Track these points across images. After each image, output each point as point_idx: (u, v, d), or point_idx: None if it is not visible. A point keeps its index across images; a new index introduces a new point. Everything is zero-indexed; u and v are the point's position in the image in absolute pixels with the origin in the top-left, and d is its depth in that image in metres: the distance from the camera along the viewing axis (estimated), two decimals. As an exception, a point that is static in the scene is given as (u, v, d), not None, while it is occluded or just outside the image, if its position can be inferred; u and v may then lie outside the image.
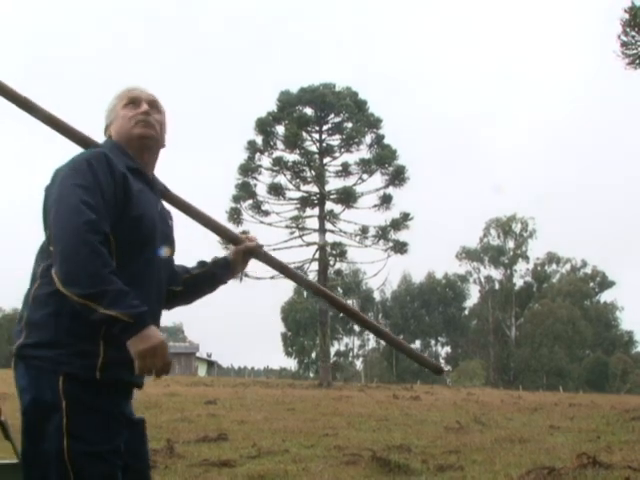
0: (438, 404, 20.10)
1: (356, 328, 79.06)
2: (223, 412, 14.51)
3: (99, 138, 2.66)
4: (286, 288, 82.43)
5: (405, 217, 36.58)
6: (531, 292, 76.86)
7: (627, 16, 17.38)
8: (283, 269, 3.18)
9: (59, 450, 2.19)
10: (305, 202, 37.48)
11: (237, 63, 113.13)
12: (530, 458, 8.19)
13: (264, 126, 37.50)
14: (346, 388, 32.13)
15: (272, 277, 30.96)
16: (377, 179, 37.51)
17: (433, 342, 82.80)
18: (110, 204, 2.29)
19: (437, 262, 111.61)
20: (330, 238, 37.16)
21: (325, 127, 38.70)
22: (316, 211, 37.47)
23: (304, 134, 37.93)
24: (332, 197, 37.03)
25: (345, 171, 37.46)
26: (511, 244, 75.84)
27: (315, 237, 37.19)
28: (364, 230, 36.94)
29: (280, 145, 37.89)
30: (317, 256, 35.84)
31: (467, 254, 77.07)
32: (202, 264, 2.90)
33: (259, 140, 37.81)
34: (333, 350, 67.92)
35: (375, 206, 36.75)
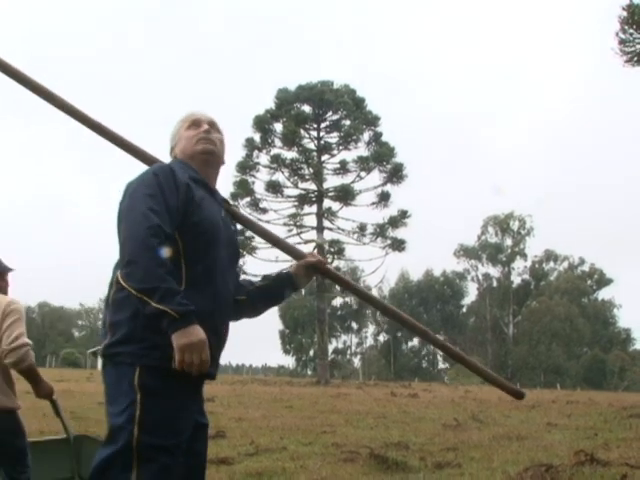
0: (436, 401, 20.12)
1: (354, 326, 79.18)
2: (221, 409, 14.50)
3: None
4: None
5: (403, 215, 36.61)
6: (529, 290, 76.90)
7: (625, 14, 17.38)
8: (348, 285, 3.29)
9: (128, 440, 2.39)
10: (303, 200, 37.49)
11: (235, 61, 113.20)
12: (528, 455, 8.19)
13: (262, 124, 37.49)
14: (344, 386, 32.16)
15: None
16: (375, 177, 37.65)
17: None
18: (174, 210, 2.54)
19: (435, 260, 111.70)
20: (328, 236, 37.20)
21: (323, 125, 38.69)
22: (314, 208, 37.48)
23: (302, 132, 37.94)
24: (330, 195, 37.03)
25: (343, 169, 37.48)
26: (509, 242, 75.92)
27: (313, 234, 37.23)
28: (362, 228, 36.97)
29: (278, 143, 37.91)
30: (315, 253, 35.87)
31: (465, 252, 77.10)
32: (265, 278, 3.09)
33: (257, 138, 37.84)
34: (331, 348, 67.97)
35: (373, 204, 36.78)
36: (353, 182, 37.20)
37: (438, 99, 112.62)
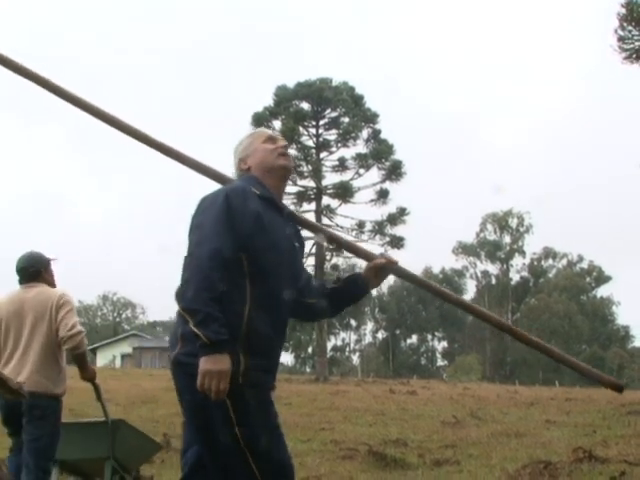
0: (434, 399, 20.13)
1: (353, 323, 79.19)
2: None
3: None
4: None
5: (402, 212, 36.57)
6: (527, 287, 76.98)
7: (624, 11, 17.39)
8: (422, 284, 3.37)
9: (234, 439, 2.60)
10: (302, 197, 37.44)
11: (234, 58, 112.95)
12: (526, 452, 8.21)
13: (261, 121, 37.42)
14: (343, 383, 32.16)
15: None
16: (374, 174, 37.41)
17: (430, 337, 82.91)
18: (240, 234, 2.69)
19: (434, 257, 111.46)
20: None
21: (322, 122, 38.63)
22: (313, 206, 37.44)
23: (301, 129, 37.88)
24: (329, 192, 36.99)
25: (342, 166, 37.41)
26: (507, 239, 76.01)
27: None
28: (361, 225, 36.93)
29: (277, 140, 37.85)
30: (314, 251, 35.80)
31: (464, 249, 77.14)
32: (338, 280, 3.23)
33: (256, 135, 37.77)
34: (330, 345, 67.92)
35: (372, 201, 36.72)
36: (352, 179, 37.16)
37: (437, 97, 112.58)
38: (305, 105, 38.53)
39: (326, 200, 37.18)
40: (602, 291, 77.97)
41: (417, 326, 79.82)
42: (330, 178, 38.07)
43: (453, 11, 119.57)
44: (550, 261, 79.58)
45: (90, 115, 3.24)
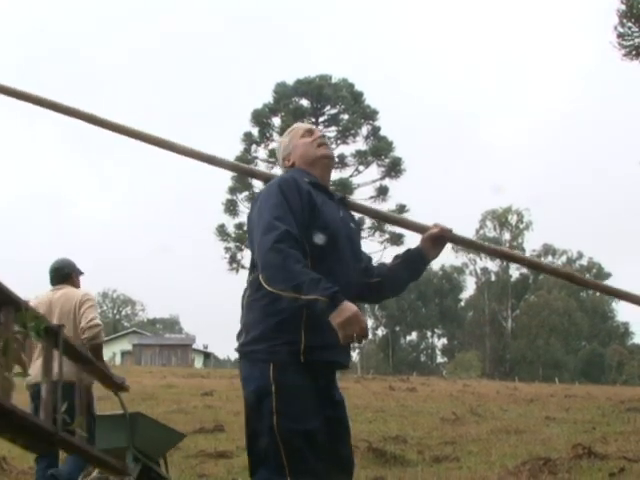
0: (434, 395, 20.16)
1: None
2: (219, 403, 14.55)
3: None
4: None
5: (401, 209, 36.55)
6: (527, 284, 76.94)
7: (624, 7, 17.37)
8: (478, 247, 3.55)
9: (271, 427, 2.70)
10: (301, 194, 37.48)
11: (233, 54, 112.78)
12: (526, 449, 8.22)
13: (260, 118, 37.42)
14: (342, 379, 32.12)
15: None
16: (373, 171, 37.40)
17: (429, 334, 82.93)
18: (298, 216, 2.81)
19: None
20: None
21: (321, 119, 38.60)
22: (312, 202, 37.46)
23: (300, 126, 37.86)
24: (328, 189, 37.01)
25: (341, 163, 37.42)
26: (507, 236, 75.88)
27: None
28: (360, 222, 36.95)
29: (276, 137, 37.80)
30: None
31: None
32: (397, 257, 3.28)
33: (255, 132, 37.75)
34: (329, 342, 67.79)
35: (371, 198, 36.71)
36: (351, 176, 37.16)
37: (437, 93, 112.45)
38: (304, 102, 38.51)
39: (326, 197, 37.19)
40: (602, 288, 77.91)
41: (417, 323, 79.81)
42: (329, 175, 38.08)
43: (453, 9, 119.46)
44: (550, 258, 79.51)
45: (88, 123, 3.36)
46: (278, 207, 2.79)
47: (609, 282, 71.24)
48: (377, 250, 36.48)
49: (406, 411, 14.08)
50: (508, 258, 3.62)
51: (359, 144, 37.83)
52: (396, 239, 36.43)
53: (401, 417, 12.66)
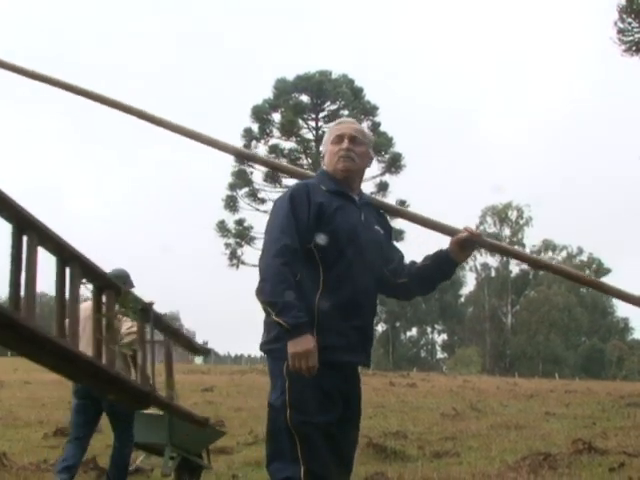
0: (434, 391, 20.18)
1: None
2: (220, 399, 14.56)
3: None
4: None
5: (401, 204, 36.51)
6: (527, 279, 76.92)
7: (624, 2, 17.36)
8: (507, 251, 3.55)
9: (285, 419, 2.91)
10: (301, 190, 37.46)
11: (233, 50, 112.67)
12: (526, 444, 8.23)
13: (260, 113, 37.36)
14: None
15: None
16: (373, 166, 36.98)
17: (429, 329, 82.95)
18: (305, 225, 3.00)
19: (433, 249, 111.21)
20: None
21: (321, 114, 38.57)
22: (312, 199, 37.44)
23: (300, 121, 37.82)
24: (328, 185, 37.00)
25: (341, 159, 37.41)
26: (507, 232, 75.85)
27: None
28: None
29: (276, 133, 37.78)
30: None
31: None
32: (426, 258, 3.33)
33: (255, 128, 37.69)
34: (330, 338, 67.80)
35: (371, 193, 36.30)
36: (351, 172, 37.19)
37: (437, 89, 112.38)
38: (304, 98, 38.46)
39: (326, 193, 37.17)
40: (602, 283, 77.88)
41: (417, 319, 79.81)
42: (330, 171, 38.07)
43: (454, 5, 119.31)
44: (550, 253, 79.47)
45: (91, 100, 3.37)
46: (285, 219, 2.99)
47: (609, 277, 71.40)
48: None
49: (406, 407, 14.10)
50: (535, 264, 3.59)
51: (359, 140, 37.83)
52: (396, 235, 36.45)
53: (401, 413, 12.67)
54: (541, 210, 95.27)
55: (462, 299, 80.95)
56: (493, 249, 3.58)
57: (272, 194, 37.09)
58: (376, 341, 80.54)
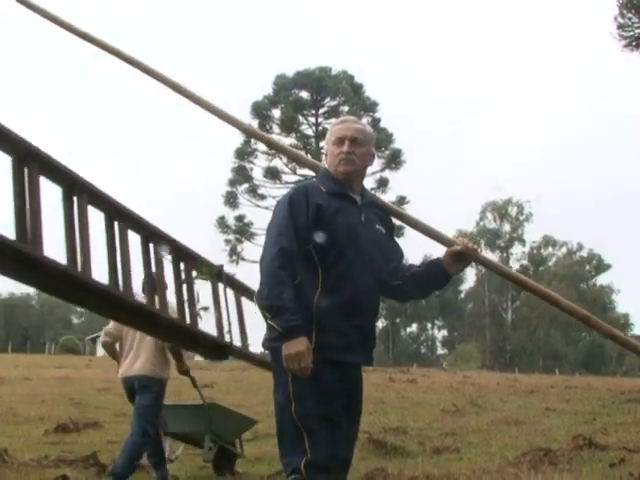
0: (434, 387, 20.20)
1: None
2: (220, 396, 14.53)
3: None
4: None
5: (401, 200, 36.60)
6: (527, 275, 74.56)
7: (624, -3, 17.32)
8: (500, 271, 3.48)
9: (290, 412, 2.99)
10: (301, 186, 37.48)
11: (233, 46, 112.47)
12: (526, 440, 8.23)
13: (260, 110, 37.40)
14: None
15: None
16: (374, 162, 37.44)
17: (429, 325, 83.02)
18: (303, 227, 3.04)
19: (433, 245, 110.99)
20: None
21: (321, 111, 38.65)
22: (312, 195, 37.45)
23: (300, 118, 37.87)
24: (328, 181, 37.01)
25: (341, 155, 37.42)
26: (507, 227, 75.80)
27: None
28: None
29: (276, 129, 37.83)
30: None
31: (463, 237, 76.85)
32: (422, 264, 3.41)
33: (255, 124, 37.67)
34: (330, 334, 67.87)
35: (371, 189, 36.57)
36: (351, 168, 37.18)
37: (437, 86, 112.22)
38: (304, 94, 38.49)
39: (326, 189, 37.19)
40: (602, 279, 77.90)
41: (417, 315, 79.84)
42: (330, 167, 38.09)
43: (455, 1, 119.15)
44: (550, 249, 79.46)
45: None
46: (283, 222, 3.05)
47: (609, 273, 71.20)
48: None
49: (406, 402, 14.11)
50: (532, 290, 3.36)
51: (359, 136, 37.83)
52: (396, 231, 36.45)
53: (401, 408, 12.68)
54: (541, 205, 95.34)
55: (462, 295, 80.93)
56: (487, 266, 3.57)
57: (272, 190, 37.16)
58: (376, 337, 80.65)
